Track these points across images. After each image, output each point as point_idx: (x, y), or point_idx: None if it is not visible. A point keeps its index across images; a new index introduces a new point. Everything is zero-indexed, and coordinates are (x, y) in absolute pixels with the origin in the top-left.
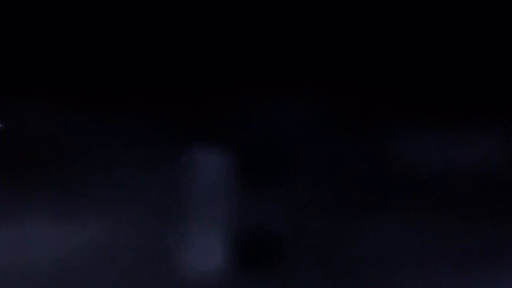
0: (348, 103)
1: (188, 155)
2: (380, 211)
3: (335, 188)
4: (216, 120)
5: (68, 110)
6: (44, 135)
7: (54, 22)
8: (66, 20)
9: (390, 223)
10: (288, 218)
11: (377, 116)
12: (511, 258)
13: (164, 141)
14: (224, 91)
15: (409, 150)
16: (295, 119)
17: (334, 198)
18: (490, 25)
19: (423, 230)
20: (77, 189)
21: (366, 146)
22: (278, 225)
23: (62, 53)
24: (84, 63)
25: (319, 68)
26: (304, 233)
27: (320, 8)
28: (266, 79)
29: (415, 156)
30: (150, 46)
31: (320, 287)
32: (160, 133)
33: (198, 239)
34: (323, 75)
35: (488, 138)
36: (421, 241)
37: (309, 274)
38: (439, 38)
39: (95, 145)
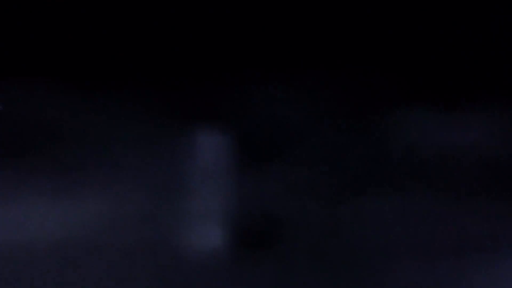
0: (347, 85)
1: (187, 135)
2: (378, 194)
3: (333, 170)
4: (215, 101)
5: (67, 90)
6: (42, 115)
7: (52, 5)
8: (64, 2)
9: (388, 206)
10: (287, 200)
11: (375, 99)
12: (509, 240)
13: (163, 122)
14: (224, 73)
15: (407, 133)
16: (294, 101)
17: (333, 180)
18: (489, 7)
19: (422, 213)
20: (76, 169)
21: (364, 129)
22: (276, 206)
23: (59, 34)
24: (82, 43)
25: (318, 51)
26: (302, 215)
27: None
28: (265, 62)
29: (413, 139)
30: (149, 27)
31: (317, 270)
32: (159, 114)
33: (197, 220)
34: (322, 57)
35: (486, 120)
36: (419, 224)
37: (307, 256)
38: (437, 21)
39: (94, 125)
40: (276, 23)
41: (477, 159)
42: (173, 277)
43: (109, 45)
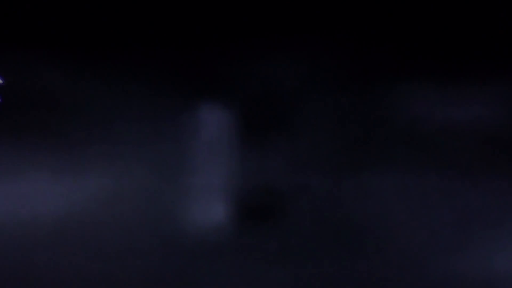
0: (349, 58)
1: (190, 110)
2: (381, 167)
3: (336, 144)
4: (217, 75)
5: (68, 65)
6: (44, 90)
7: None
8: None
9: (391, 179)
10: (289, 174)
11: (378, 70)
12: (511, 213)
13: (166, 97)
14: (226, 46)
15: (410, 105)
16: (297, 75)
17: (335, 154)
18: None
19: (424, 186)
20: (77, 144)
21: (367, 102)
22: (279, 181)
23: (62, 7)
24: (84, 16)
25: (320, 22)
26: (305, 189)
27: None
28: (267, 34)
29: (416, 111)
30: (151, 1)
31: (320, 243)
32: (161, 89)
33: (199, 195)
34: (325, 29)
35: (489, 92)
36: (422, 197)
37: (310, 230)
38: None
39: (96, 100)
40: None
41: (480, 133)
42: (176, 252)
43: (111, 21)
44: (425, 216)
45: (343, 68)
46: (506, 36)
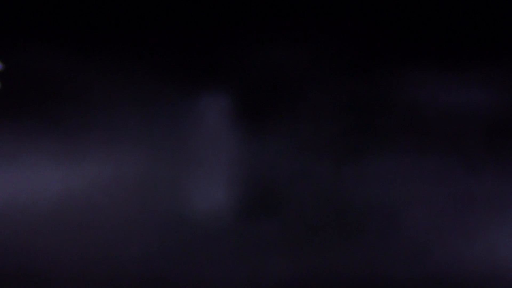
0: (351, 42)
1: (190, 96)
2: (383, 153)
3: (338, 130)
4: (218, 60)
5: (68, 50)
6: (43, 75)
7: None
8: None
9: (393, 165)
10: (291, 160)
11: (380, 56)
12: None
13: (167, 82)
14: (226, 32)
15: (412, 91)
16: (298, 60)
17: (337, 140)
18: None
19: (426, 172)
20: (78, 130)
21: (369, 87)
22: (280, 167)
23: None
24: (84, 1)
25: (322, 7)
26: (307, 175)
27: None
28: (268, 18)
29: (418, 96)
30: None
31: (322, 230)
32: (162, 75)
33: (200, 181)
34: (326, 14)
35: (492, 78)
36: (424, 183)
37: (312, 216)
38: None
39: (96, 86)
40: None
41: (483, 118)
42: (176, 238)
43: (111, 6)
44: (428, 202)
45: (345, 53)
46: (509, 20)
